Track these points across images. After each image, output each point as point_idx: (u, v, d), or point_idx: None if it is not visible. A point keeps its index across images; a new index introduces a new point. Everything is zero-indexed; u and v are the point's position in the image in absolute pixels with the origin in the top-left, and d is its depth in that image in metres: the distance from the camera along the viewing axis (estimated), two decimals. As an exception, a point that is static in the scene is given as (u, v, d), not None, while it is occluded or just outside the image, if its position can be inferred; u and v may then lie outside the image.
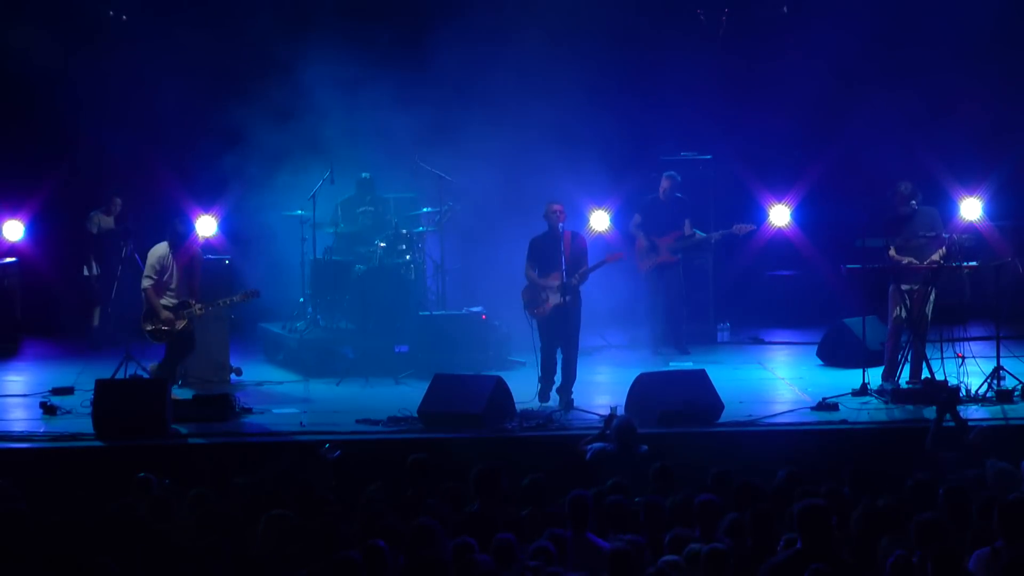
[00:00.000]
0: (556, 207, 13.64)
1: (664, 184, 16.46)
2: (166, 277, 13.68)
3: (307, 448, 11.81)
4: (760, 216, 17.07)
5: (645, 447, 11.40)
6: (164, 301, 13.68)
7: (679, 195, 16.55)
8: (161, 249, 13.77)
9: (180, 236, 13.83)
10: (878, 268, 14.11)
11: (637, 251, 16.41)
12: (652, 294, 16.46)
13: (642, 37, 17.95)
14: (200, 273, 13.94)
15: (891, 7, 18.04)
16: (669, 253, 16.39)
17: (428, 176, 16.61)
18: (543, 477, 10.34)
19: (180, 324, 13.68)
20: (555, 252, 13.57)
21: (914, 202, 13.98)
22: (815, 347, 16.10)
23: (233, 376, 14.94)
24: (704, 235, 16.43)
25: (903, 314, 13.90)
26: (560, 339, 13.69)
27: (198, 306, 13.72)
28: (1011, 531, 8.42)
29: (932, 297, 13.83)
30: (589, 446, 11.62)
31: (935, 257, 13.82)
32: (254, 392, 14.51)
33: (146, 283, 13.68)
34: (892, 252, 13.93)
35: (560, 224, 13.60)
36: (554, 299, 13.62)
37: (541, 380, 13.76)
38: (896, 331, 14.04)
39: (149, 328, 13.72)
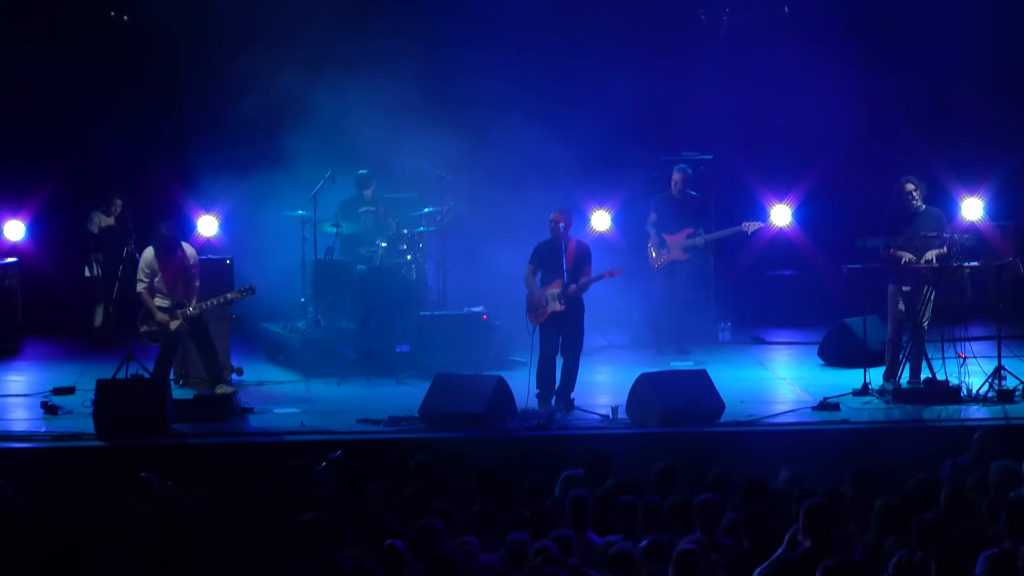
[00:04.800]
0: (556, 216, 13.59)
1: (676, 178, 16.44)
2: (156, 280, 13.78)
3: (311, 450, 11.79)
4: (761, 216, 17.07)
5: (614, 479, 11.07)
6: (157, 302, 13.79)
7: (693, 193, 16.54)
8: (148, 253, 13.90)
9: (162, 239, 13.88)
10: (880, 268, 14.09)
11: (650, 248, 16.40)
12: (663, 292, 16.43)
13: (644, 37, 17.94)
14: (196, 273, 13.94)
15: (892, 6, 18.04)
16: (680, 251, 16.38)
17: (429, 176, 16.62)
18: (544, 477, 10.35)
19: (174, 324, 13.74)
20: (557, 260, 13.54)
21: (917, 201, 13.95)
22: (816, 347, 16.09)
23: (234, 376, 14.93)
24: (713, 235, 16.37)
25: (903, 314, 13.89)
26: (560, 346, 13.64)
27: (192, 306, 13.78)
28: (1019, 531, 8.40)
29: (932, 297, 13.80)
30: (564, 473, 10.98)
31: (929, 255, 13.78)
32: (255, 392, 14.49)
33: (139, 287, 13.83)
34: (892, 251, 13.90)
35: (562, 231, 13.53)
36: (552, 306, 13.58)
37: (538, 386, 13.60)
38: (897, 331, 14.03)
39: (144, 330, 13.84)
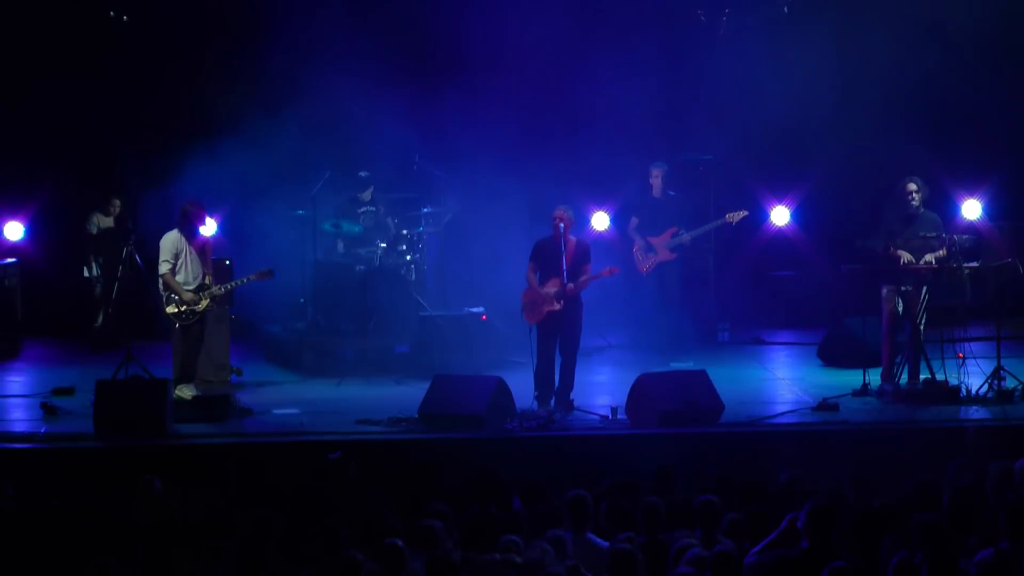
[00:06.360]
0: (558, 213, 13.57)
1: (655, 174, 16.37)
2: (180, 262, 13.61)
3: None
4: (760, 216, 17.05)
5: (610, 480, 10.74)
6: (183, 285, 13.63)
7: (672, 193, 16.47)
8: (173, 235, 13.67)
9: (190, 218, 13.70)
10: (878, 268, 14.08)
11: (636, 253, 16.36)
12: (656, 295, 16.40)
13: (643, 37, 17.94)
14: (211, 259, 13.90)
15: (892, 7, 18.04)
16: (667, 251, 16.34)
17: (429, 176, 16.62)
18: (543, 478, 10.36)
19: (203, 304, 13.60)
20: (557, 258, 13.53)
21: (917, 203, 13.94)
22: (816, 347, 16.10)
23: (234, 376, 14.94)
24: (697, 231, 16.29)
25: (901, 314, 13.89)
26: (558, 345, 13.64)
27: (216, 286, 13.71)
28: (1016, 532, 8.41)
29: (927, 298, 13.79)
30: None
31: (928, 257, 13.78)
32: (254, 392, 14.50)
33: (163, 268, 13.57)
34: (892, 250, 13.90)
35: (562, 229, 13.51)
36: (549, 304, 13.57)
37: (537, 387, 13.57)
38: (892, 331, 14.03)
39: (173, 311, 13.60)
